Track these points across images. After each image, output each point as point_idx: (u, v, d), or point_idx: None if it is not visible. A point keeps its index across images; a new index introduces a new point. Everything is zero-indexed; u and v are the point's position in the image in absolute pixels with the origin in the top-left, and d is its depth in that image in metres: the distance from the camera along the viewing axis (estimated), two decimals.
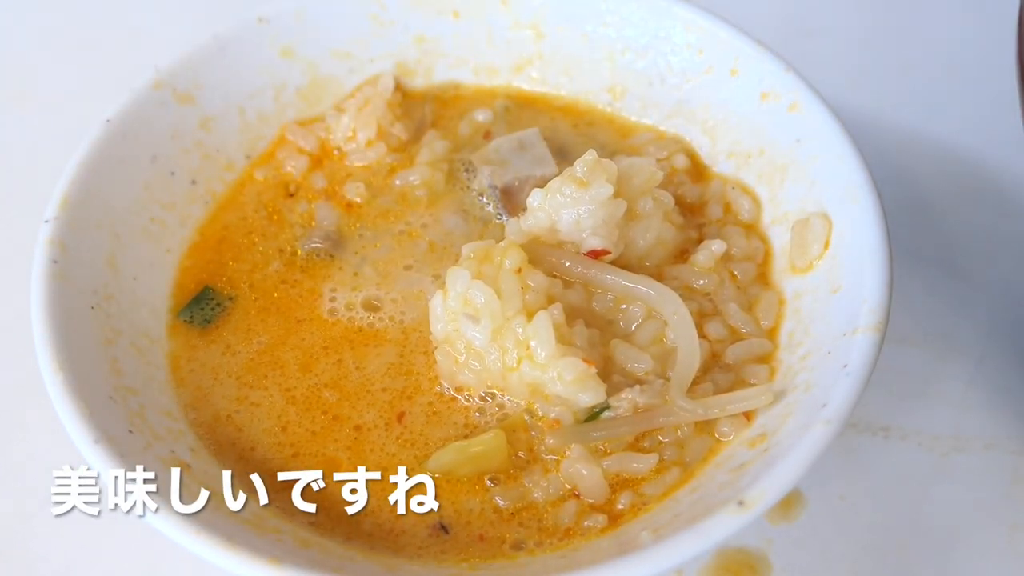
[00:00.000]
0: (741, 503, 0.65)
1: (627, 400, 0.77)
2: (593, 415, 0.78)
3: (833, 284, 0.79)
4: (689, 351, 0.78)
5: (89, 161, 0.83)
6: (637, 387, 0.78)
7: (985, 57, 1.07)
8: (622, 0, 0.95)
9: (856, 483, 0.85)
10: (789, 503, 0.83)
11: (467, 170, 0.93)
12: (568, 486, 0.76)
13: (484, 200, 0.91)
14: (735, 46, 0.91)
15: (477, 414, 0.80)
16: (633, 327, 0.81)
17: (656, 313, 0.81)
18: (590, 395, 0.76)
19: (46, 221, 0.79)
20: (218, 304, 0.86)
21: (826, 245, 0.82)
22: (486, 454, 0.76)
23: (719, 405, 0.76)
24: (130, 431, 0.73)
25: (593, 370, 0.75)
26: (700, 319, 0.82)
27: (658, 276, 0.84)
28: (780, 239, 0.87)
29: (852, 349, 0.72)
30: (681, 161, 0.92)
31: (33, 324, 0.74)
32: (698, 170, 0.93)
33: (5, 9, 1.24)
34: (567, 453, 0.76)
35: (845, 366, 0.71)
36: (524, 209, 0.85)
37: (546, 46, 0.99)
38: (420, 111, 0.99)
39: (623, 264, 0.83)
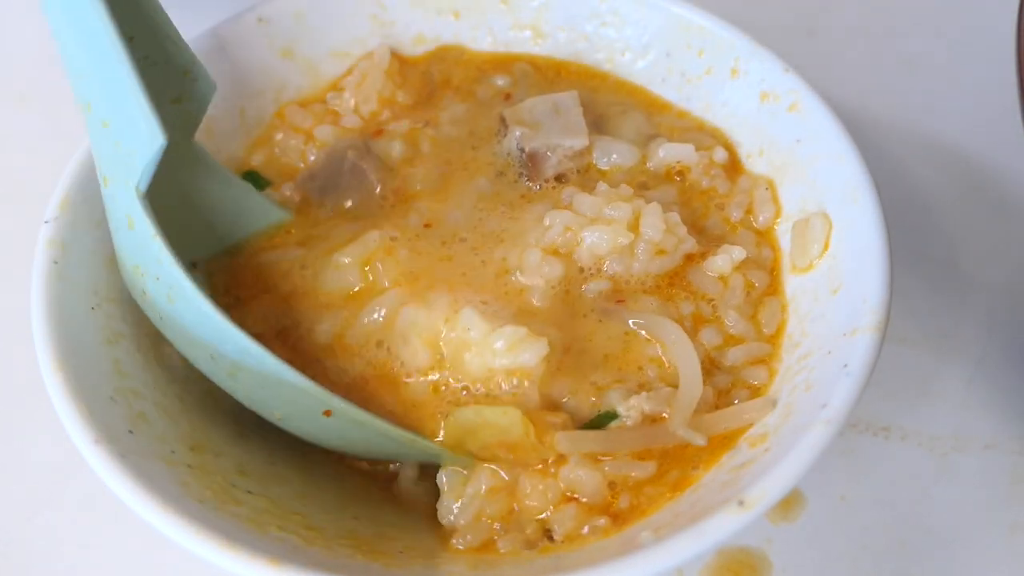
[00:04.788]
0: (741, 503, 0.65)
1: (635, 408, 0.77)
2: (602, 418, 0.78)
3: (833, 284, 0.79)
4: (691, 380, 0.77)
5: (89, 161, 0.82)
6: (644, 394, 0.77)
7: (985, 57, 1.07)
8: (622, 0, 0.95)
9: (856, 483, 0.85)
10: (789, 503, 0.83)
11: (501, 124, 0.92)
12: (567, 491, 0.76)
13: (509, 157, 0.91)
14: (735, 46, 0.91)
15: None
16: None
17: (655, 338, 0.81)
18: (531, 353, 0.76)
19: (46, 221, 0.79)
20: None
21: (826, 245, 0.82)
22: (503, 426, 0.75)
23: (719, 423, 0.76)
24: (130, 431, 0.73)
25: (523, 331, 0.76)
26: (696, 324, 0.82)
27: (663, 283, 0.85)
28: (780, 240, 0.87)
29: (852, 349, 0.72)
30: (720, 155, 0.91)
31: (33, 324, 0.74)
32: (734, 165, 0.92)
33: (5, 10, 1.24)
34: (569, 459, 0.76)
35: (845, 366, 0.71)
36: (547, 179, 0.88)
37: (546, 47, 0.99)
38: (423, 76, 0.98)
39: (614, 294, 0.83)
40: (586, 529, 0.74)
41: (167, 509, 0.66)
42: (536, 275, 0.82)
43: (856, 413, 0.71)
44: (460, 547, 0.75)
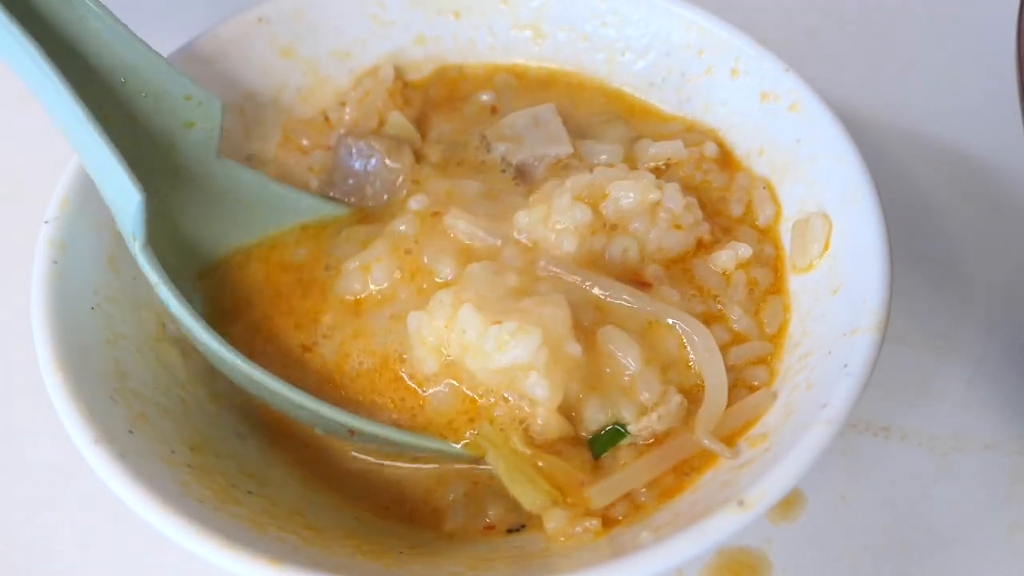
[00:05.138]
0: (741, 503, 0.65)
1: (647, 428, 0.77)
2: (609, 434, 0.77)
3: (833, 284, 0.79)
4: (718, 389, 0.77)
5: None
6: (654, 414, 0.77)
7: (985, 57, 1.07)
8: (622, 0, 0.95)
9: (856, 483, 0.85)
10: (789, 503, 0.83)
11: (480, 144, 0.93)
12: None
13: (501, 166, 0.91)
14: (735, 46, 0.91)
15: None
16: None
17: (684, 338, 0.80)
18: (523, 348, 0.73)
19: (46, 221, 0.79)
20: None
21: (826, 245, 0.82)
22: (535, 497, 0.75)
23: (728, 423, 0.76)
24: (130, 431, 0.73)
25: (512, 326, 0.74)
26: (705, 321, 0.82)
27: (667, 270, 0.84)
28: (783, 238, 0.87)
29: (852, 349, 0.72)
30: (711, 149, 0.91)
31: (33, 324, 0.74)
32: (727, 160, 0.92)
33: None
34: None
35: (845, 366, 0.71)
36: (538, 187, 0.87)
37: (547, 46, 0.99)
38: (422, 97, 0.99)
39: (620, 268, 0.83)
40: (578, 528, 0.74)
41: (167, 509, 0.66)
42: (566, 217, 0.81)
43: (856, 413, 0.71)
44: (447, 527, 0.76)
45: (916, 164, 1.05)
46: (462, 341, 0.76)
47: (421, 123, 0.97)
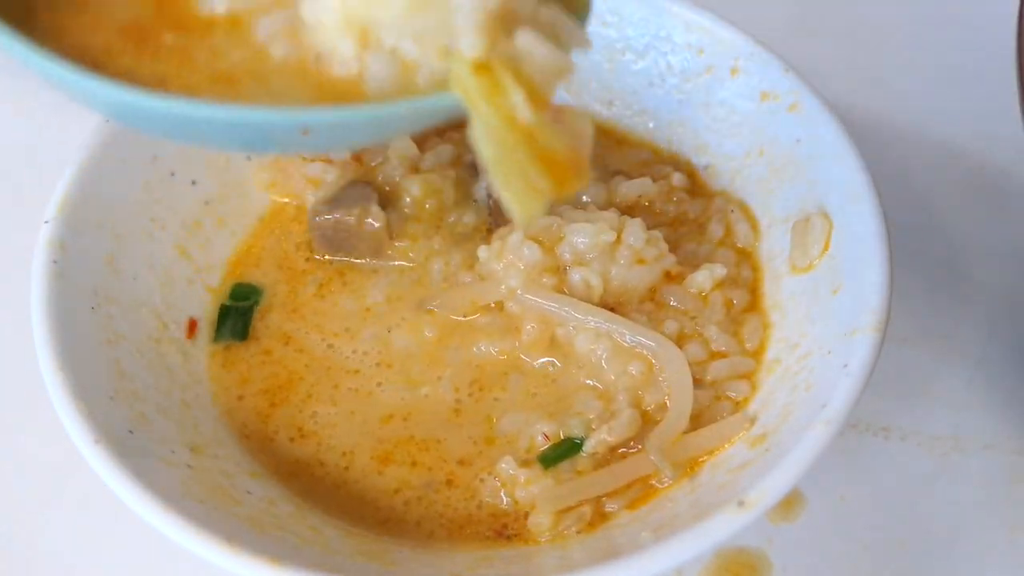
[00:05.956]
0: (741, 503, 0.65)
1: (602, 443, 0.77)
2: (565, 446, 0.78)
3: (833, 284, 0.79)
4: (680, 412, 0.77)
5: (89, 161, 0.83)
6: (605, 427, 0.78)
7: (985, 57, 1.07)
8: (622, 0, 0.95)
9: (856, 483, 0.85)
10: (789, 503, 0.83)
11: (473, 170, 0.92)
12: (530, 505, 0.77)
13: (480, 204, 0.91)
14: (735, 46, 0.91)
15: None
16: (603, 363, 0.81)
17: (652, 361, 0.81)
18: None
19: (46, 221, 0.79)
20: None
21: (826, 245, 0.82)
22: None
23: (701, 446, 0.77)
24: (130, 431, 0.73)
25: None
26: (680, 340, 0.82)
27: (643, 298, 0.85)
28: (780, 240, 0.87)
29: (852, 349, 0.72)
30: (678, 179, 0.92)
31: (33, 324, 0.74)
32: (696, 186, 0.94)
33: None
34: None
35: (845, 366, 0.71)
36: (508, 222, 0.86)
37: None
38: None
39: (584, 298, 0.83)
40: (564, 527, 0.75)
41: (167, 509, 0.66)
42: (514, 256, 0.81)
43: (856, 413, 0.71)
44: None
45: (916, 164, 1.05)
46: None
47: (422, 140, 0.96)
